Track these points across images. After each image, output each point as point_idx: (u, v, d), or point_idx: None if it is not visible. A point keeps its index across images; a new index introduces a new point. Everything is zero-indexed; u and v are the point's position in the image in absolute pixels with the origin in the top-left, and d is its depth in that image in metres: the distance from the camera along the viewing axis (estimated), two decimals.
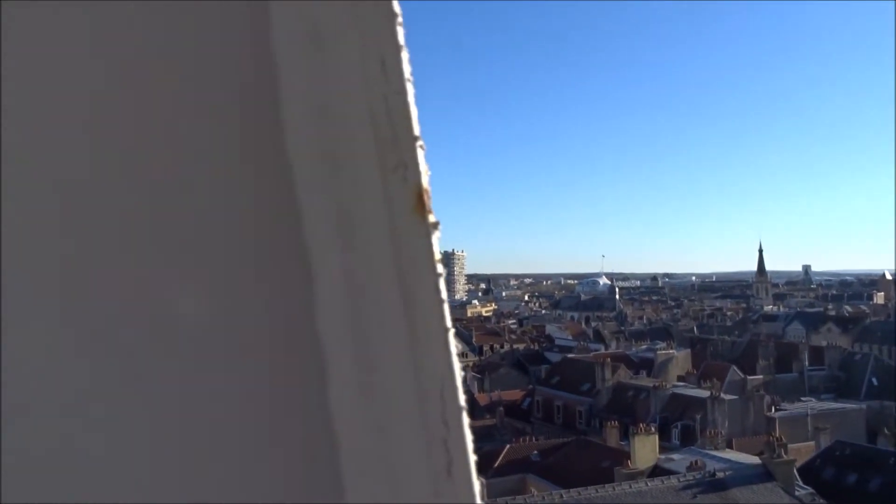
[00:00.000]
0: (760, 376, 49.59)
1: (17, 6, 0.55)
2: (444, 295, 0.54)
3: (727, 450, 32.61)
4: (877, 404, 45.82)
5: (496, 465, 33.65)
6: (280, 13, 0.61)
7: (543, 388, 49.73)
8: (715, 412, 39.06)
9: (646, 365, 52.32)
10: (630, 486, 27.00)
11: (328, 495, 0.59)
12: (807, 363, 53.87)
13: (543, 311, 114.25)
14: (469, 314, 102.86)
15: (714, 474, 27.55)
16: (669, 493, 26.78)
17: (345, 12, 0.56)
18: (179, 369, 0.58)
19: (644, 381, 47.07)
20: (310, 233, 0.61)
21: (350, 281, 0.58)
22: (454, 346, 0.55)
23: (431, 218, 0.55)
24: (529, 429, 45.24)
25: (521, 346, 65.43)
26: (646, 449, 31.36)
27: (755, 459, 29.60)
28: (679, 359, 53.91)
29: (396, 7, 0.55)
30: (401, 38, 0.55)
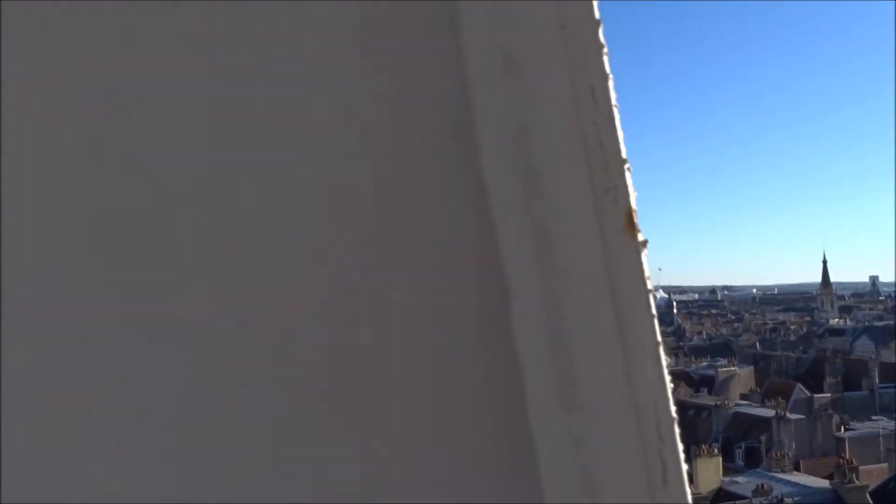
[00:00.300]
0: (828, 394, 47.75)
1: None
2: (654, 310, 0.57)
3: (794, 472, 31.47)
4: None
5: None
6: (474, 42, 0.65)
7: None
8: (781, 432, 37.77)
9: (706, 382, 50.97)
10: None
11: None
12: (877, 380, 51.65)
13: None
14: None
15: (782, 500, 26.60)
16: None
17: (547, 42, 0.59)
18: (391, 396, 0.62)
19: (705, 399, 45.84)
20: (506, 252, 0.64)
21: (551, 299, 0.61)
22: (664, 359, 0.57)
23: (640, 237, 0.57)
24: None
25: None
26: (709, 471, 30.52)
27: (825, 483, 28.47)
28: (741, 376, 52.39)
29: (602, 38, 0.58)
30: (607, 67, 0.58)
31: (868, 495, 27.38)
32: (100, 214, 0.58)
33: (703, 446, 32.23)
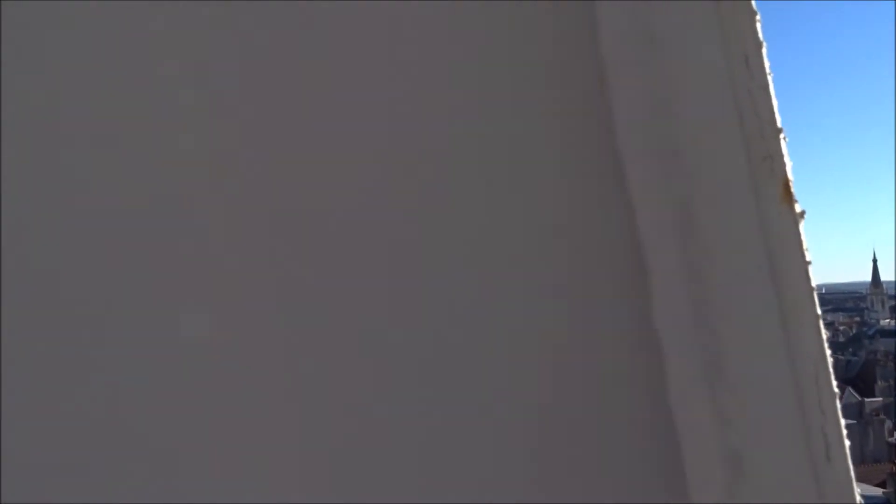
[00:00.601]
0: (880, 398, 46.33)
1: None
2: (813, 282, 0.55)
3: None
4: None
5: None
6: (609, 16, 0.64)
7: None
8: None
9: None
10: None
11: (671, 489, 0.61)
12: None
13: None
14: None
15: None
16: None
17: (696, 13, 0.58)
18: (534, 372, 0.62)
19: None
20: (644, 229, 0.63)
21: (693, 274, 0.60)
22: (823, 331, 0.56)
23: (797, 207, 0.56)
24: None
25: None
26: None
27: (877, 491, 27.62)
28: None
29: (754, 5, 0.57)
30: (760, 35, 0.57)
31: None
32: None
33: None
